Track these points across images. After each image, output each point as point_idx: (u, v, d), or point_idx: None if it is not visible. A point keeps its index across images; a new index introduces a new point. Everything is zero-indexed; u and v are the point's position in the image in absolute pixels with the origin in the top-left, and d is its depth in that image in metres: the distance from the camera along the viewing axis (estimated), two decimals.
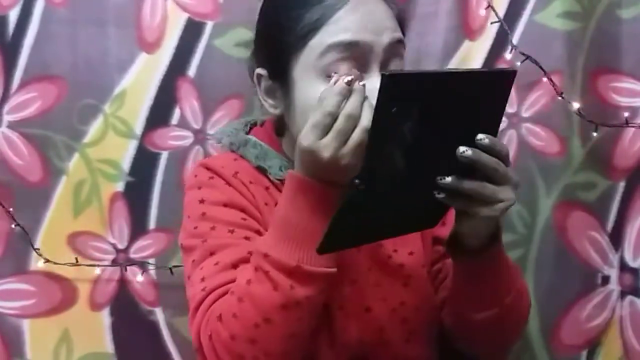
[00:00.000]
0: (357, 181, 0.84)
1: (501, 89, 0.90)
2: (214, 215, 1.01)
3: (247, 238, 0.99)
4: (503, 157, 0.90)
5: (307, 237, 0.91)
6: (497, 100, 0.91)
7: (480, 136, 0.87)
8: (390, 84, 0.80)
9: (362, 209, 0.88)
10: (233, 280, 0.95)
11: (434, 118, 0.84)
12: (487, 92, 0.88)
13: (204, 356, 0.95)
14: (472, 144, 0.87)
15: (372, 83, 0.95)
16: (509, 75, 0.90)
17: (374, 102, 0.95)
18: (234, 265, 0.97)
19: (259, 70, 1.04)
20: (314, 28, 0.96)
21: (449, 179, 0.88)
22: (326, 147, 0.88)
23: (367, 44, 0.96)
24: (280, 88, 1.02)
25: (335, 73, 0.94)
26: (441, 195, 0.89)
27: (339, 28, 0.96)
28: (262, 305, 0.91)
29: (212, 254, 0.98)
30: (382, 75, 0.80)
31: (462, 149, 0.87)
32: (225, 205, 1.01)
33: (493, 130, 0.90)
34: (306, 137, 0.89)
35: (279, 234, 0.92)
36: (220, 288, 0.95)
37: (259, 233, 1.00)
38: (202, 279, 0.97)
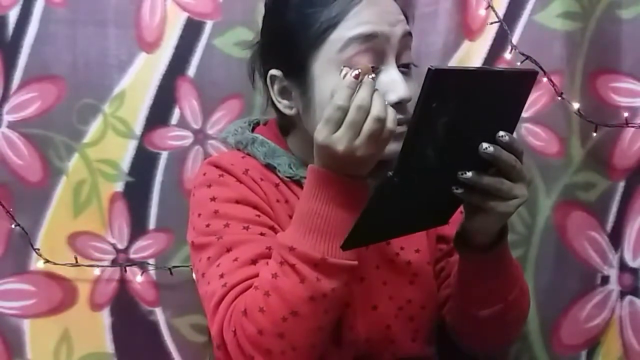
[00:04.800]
0: (390, 174, 0.85)
1: (522, 89, 0.92)
2: (227, 212, 1.01)
3: (262, 234, 1.00)
4: (519, 155, 0.92)
5: (330, 230, 0.92)
6: (517, 100, 0.92)
7: (501, 133, 0.89)
8: (436, 78, 0.81)
9: (391, 204, 0.88)
10: (254, 276, 0.95)
11: (464, 115, 0.85)
12: (510, 91, 0.89)
13: (227, 353, 0.95)
14: (490, 140, 0.88)
15: (389, 75, 0.98)
16: (531, 76, 0.91)
17: (392, 92, 0.97)
18: (254, 261, 0.97)
19: (273, 72, 1.04)
20: (333, 24, 0.98)
21: (469, 174, 0.89)
22: (340, 140, 0.89)
23: (385, 35, 0.98)
24: (297, 87, 1.02)
25: (346, 67, 0.95)
26: (459, 191, 0.90)
27: (358, 22, 0.98)
28: (290, 298, 0.91)
29: (229, 250, 0.98)
30: (429, 69, 0.80)
31: (484, 145, 0.88)
32: (237, 202, 1.02)
33: (511, 129, 0.92)
34: (320, 132, 0.90)
35: (303, 227, 0.93)
36: (241, 284, 0.96)
37: (273, 229, 1.01)
38: (222, 275, 0.97)
